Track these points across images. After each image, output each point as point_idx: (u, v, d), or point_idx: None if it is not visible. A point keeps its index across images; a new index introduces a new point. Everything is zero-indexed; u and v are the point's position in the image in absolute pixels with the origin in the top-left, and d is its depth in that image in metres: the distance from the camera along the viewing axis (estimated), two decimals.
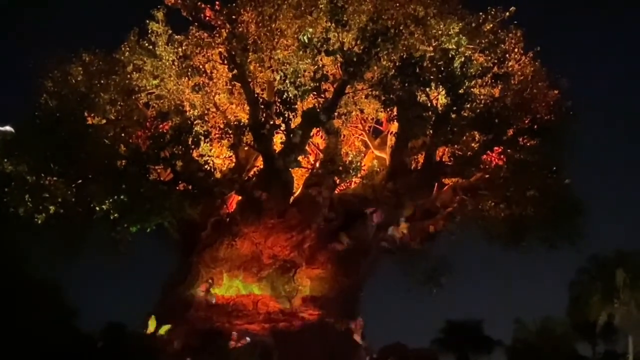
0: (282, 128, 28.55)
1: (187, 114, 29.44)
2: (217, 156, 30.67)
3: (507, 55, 30.22)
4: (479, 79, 28.79)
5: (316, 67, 28.02)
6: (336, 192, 31.54)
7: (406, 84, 27.88)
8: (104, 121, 28.35)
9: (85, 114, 27.71)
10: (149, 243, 30.07)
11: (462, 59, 28.28)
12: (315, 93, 28.18)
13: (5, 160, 26.11)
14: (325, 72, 28.22)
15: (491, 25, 30.23)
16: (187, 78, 29.79)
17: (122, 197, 26.15)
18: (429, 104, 28.90)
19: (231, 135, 28.96)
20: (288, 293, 29.42)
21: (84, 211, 26.58)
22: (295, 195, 31.10)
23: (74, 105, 27.43)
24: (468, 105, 28.70)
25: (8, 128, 22.83)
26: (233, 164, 31.07)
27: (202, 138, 28.22)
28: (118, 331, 26.31)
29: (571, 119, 30.13)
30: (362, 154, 33.21)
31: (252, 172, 30.94)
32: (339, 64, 28.81)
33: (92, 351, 24.49)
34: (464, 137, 29.88)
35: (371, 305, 35.33)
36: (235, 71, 29.18)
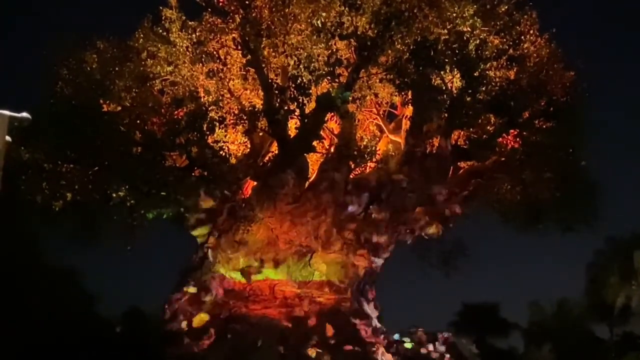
0: (296, 113, 28.56)
1: (202, 100, 29.42)
2: (232, 142, 30.65)
3: (523, 37, 29.91)
4: (494, 61, 28.60)
5: (330, 51, 27.93)
6: (351, 176, 31.51)
7: (421, 68, 27.76)
8: (119, 108, 28.42)
9: (101, 101, 27.85)
10: (167, 228, 30.32)
11: (477, 41, 28.12)
12: (329, 78, 28.13)
13: (22, 147, 26.31)
14: (339, 57, 28.15)
15: (506, 7, 29.87)
16: (201, 64, 29.75)
17: (138, 183, 26.34)
18: (443, 87, 28.75)
19: (246, 121, 28.97)
20: (304, 278, 29.54)
21: (100, 198, 26.78)
22: (311, 180, 31.11)
23: (89, 93, 27.55)
24: (483, 88, 28.53)
25: (25, 114, 22.91)
26: (248, 150, 31.08)
27: (217, 124, 28.27)
28: (137, 316, 26.56)
29: (587, 100, 29.98)
30: (377, 139, 33.03)
31: (267, 158, 30.96)
32: (353, 48, 28.70)
33: (111, 336, 24.74)
34: (479, 120, 29.75)
35: (387, 289, 35.44)
36: (249, 57, 29.17)
